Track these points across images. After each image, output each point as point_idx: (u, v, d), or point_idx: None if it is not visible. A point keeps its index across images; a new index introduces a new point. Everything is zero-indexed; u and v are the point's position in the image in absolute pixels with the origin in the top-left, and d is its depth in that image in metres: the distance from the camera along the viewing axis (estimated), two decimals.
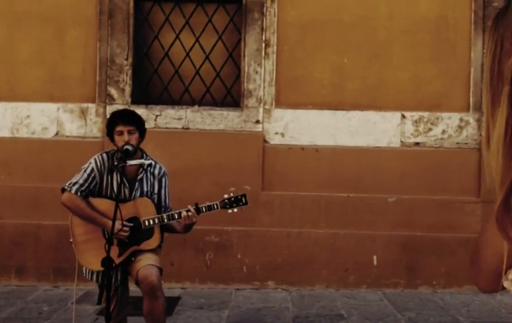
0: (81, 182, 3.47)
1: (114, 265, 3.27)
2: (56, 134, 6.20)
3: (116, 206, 3.18)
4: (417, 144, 6.12)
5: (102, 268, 3.28)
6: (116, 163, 3.44)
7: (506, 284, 0.98)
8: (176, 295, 5.62)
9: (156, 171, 3.66)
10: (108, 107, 6.04)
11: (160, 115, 6.16)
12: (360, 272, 5.91)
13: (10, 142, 6.15)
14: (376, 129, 6.15)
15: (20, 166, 6.10)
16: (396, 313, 5.10)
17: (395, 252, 5.91)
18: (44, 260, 5.91)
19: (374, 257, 5.93)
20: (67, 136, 6.19)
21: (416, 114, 6.13)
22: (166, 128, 6.15)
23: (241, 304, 5.36)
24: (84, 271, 3.59)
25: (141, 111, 6.01)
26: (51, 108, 6.18)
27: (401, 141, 6.14)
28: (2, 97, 6.16)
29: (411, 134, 6.14)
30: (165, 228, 3.63)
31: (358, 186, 6.05)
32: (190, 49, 6.29)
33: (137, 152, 3.56)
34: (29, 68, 6.15)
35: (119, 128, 3.46)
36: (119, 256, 3.50)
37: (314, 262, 5.94)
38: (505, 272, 0.96)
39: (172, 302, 5.33)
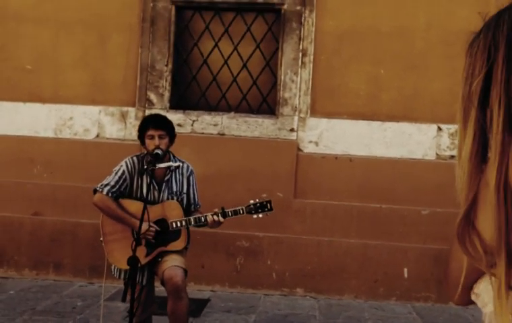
0: (112, 183, 3.61)
1: (140, 265, 3.38)
2: (97, 136, 6.42)
3: (144, 208, 3.30)
4: (453, 157, 6.03)
5: (129, 267, 3.39)
6: (146, 167, 3.56)
7: (473, 297, 1.01)
8: (205, 297, 5.72)
9: (184, 171, 3.77)
10: (147, 111, 6.21)
11: (197, 120, 6.30)
12: (390, 284, 5.86)
13: (53, 143, 6.41)
14: (411, 141, 6.10)
15: (62, 166, 6.35)
16: None
17: (426, 265, 5.83)
18: (81, 257, 6.12)
19: (405, 269, 5.87)
20: (107, 139, 6.40)
21: (453, 127, 6.04)
22: (202, 133, 6.27)
23: (268, 309, 5.41)
24: (112, 269, 3.73)
25: (178, 116, 6.19)
26: (93, 110, 6.41)
27: (437, 154, 6.07)
28: (47, 99, 6.44)
29: (447, 146, 6.06)
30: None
31: (391, 197, 6.01)
32: (229, 57, 6.41)
33: (166, 155, 3.67)
34: (73, 73, 6.40)
35: (150, 132, 3.58)
36: (146, 256, 3.62)
37: (344, 271, 5.93)
38: (471, 287, 0.98)
39: (201, 304, 5.43)
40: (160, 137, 3.59)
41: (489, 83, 0.91)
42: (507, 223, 0.88)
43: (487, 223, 0.91)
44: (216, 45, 6.44)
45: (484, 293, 1.00)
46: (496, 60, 0.92)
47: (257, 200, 3.71)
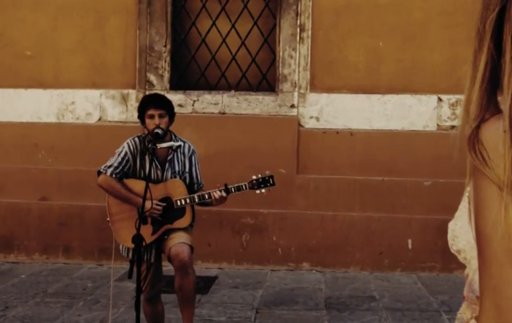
0: (115, 164, 3.66)
1: (145, 243, 3.44)
2: (99, 119, 6.47)
3: (146, 186, 3.35)
4: (454, 127, 6.06)
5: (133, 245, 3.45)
6: (147, 147, 3.61)
7: (455, 254, 1.02)
8: (213, 274, 5.80)
9: (186, 150, 3.81)
10: (148, 93, 6.22)
11: (197, 100, 6.32)
12: (395, 256, 5.93)
13: (56, 128, 6.46)
14: (412, 112, 6.12)
15: (66, 150, 6.40)
16: (429, 296, 5.11)
17: (430, 236, 5.89)
18: (89, 239, 6.21)
19: (409, 240, 5.93)
20: (109, 121, 6.44)
21: (453, 97, 6.06)
22: (203, 113, 6.31)
23: (275, 284, 5.50)
24: (120, 248, 3.79)
25: (179, 96, 6.21)
26: (94, 94, 6.45)
27: (438, 125, 6.09)
28: (48, 85, 6.46)
29: (448, 117, 6.08)
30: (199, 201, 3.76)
31: (392, 170, 6.05)
32: (227, 35, 6.41)
33: (167, 134, 3.71)
34: (72, 57, 6.42)
35: (150, 112, 3.62)
36: (153, 234, 3.68)
37: (348, 244, 6.00)
38: None
39: (209, 281, 5.52)
40: (160, 116, 3.63)
41: (503, 17, 0.93)
42: None
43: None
44: (214, 24, 6.44)
45: (468, 249, 1.00)
46: None
47: (259, 175, 3.76)
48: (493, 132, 0.90)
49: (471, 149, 0.91)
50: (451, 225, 1.07)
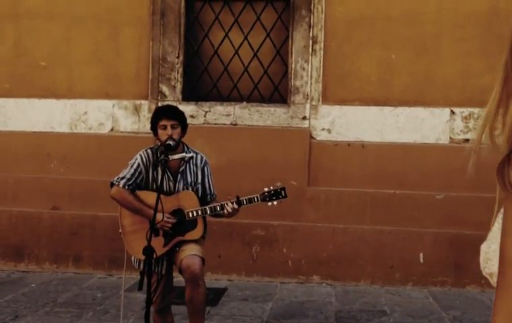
0: (128, 176, 3.67)
1: (156, 255, 3.43)
2: (112, 129, 6.50)
3: (158, 198, 3.35)
4: (467, 141, 6.02)
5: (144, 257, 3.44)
6: (160, 158, 3.62)
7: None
8: (222, 286, 5.79)
9: (198, 161, 3.81)
10: (160, 103, 6.26)
11: (209, 111, 6.34)
12: (406, 270, 5.88)
13: (69, 138, 6.50)
14: (424, 125, 6.09)
15: (78, 160, 6.44)
16: (440, 311, 5.05)
17: (442, 250, 5.84)
18: (100, 249, 6.22)
19: (421, 254, 5.88)
20: (122, 132, 6.47)
21: (466, 110, 6.02)
22: (215, 124, 6.32)
23: (285, 297, 5.47)
24: (133, 260, 3.79)
25: (191, 107, 6.23)
26: (107, 104, 6.48)
27: (450, 138, 6.05)
28: (61, 95, 6.52)
29: (461, 130, 6.04)
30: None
31: (404, 183, 6.01)
32: (239, 47, 6.43)
33: (179, 146, 3.72)
34: (86, 67, 6.47)
35: (163, 123, 3.63)
36: (164, 246, 3.68)
37: (359, 257, 5.96)
38: None
39: (219, 293, 5.50)
40: (173, 127, 3.63)
41: None
42: None
43: None
44: (226, 35, 6.46)
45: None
46: None
47: (271, 187, 3.75)
48: None
49: (500, 176, 0.90)
50: (483, 247, 1.03)
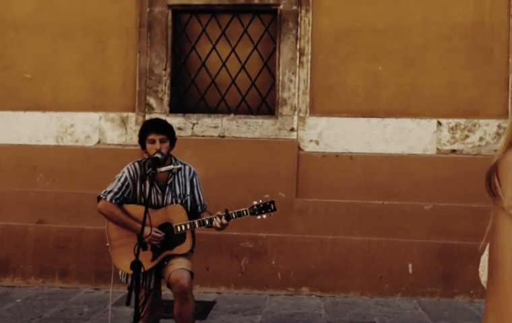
0: (115, 190, 3.63)
1: (143, 269, 3.40)
2: (98, 142, 6.45)
3: (146, 212, 3.32)
4: (453, 151, 6.06)
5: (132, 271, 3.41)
6: (147, 171, 3.59)
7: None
8: (211, 299, 5.74)
9: (187, 173, 3.79)
10: (147, 116, 6.23)
11: (197, 123, 6.32)
12: (395, 280, 5.88)
13: (55, 150, 6.43)
14: (412, 136, 6.12)
15: (64, 173, 6.37)
16: (430, 322, 5.05)
17: (430, 260, 5.85)
18: (86, 263, 6.14)
19: (410, 265, 5.89)
20: (108, 144, 6.42)
21: (453, 121, 6.07)
22: (203, 136, 6.30)
23: (274, 310, 5.44)
24: (120, 274, 3.75)
25: (178, 119, 6.21)
26: (93, 117, 6.44)
27: (437, 148, 6.09)
28: (47, 107, 6.46)
29: (448, 141, 6.08)
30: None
31: (392, 194, 6.03)
32: (227, 59, 6.43)
33: (167, 159, 3.69)
34: (72, 79, 6.43)
35: (151, 137, 3.61)
36: (152, 260, 3.64)
37: (348, 269, 5.95)
38: None
39: (207, 306, 5.45)
40: (161, 141, 3.62)
41: None
42: None
43: None
44: (214, 47, 6.46)
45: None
46: None
47: (260, 200, 3.73)
48: (509, 158, 0.91)
49: (488, 182, 0.92)
50: (482, 257, 1.06)
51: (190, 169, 3.84)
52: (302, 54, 6.24)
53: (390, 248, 5.93)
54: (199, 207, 3.82)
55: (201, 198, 3.85)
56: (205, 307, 5.40)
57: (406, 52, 6.11)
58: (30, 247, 6.28)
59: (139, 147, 3.91)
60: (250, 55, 6.41)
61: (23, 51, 6.50)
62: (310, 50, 6.23)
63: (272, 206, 3.72)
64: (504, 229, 0.88)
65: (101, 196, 3.66)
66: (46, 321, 5.05)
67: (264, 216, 3.71)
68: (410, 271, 5.89)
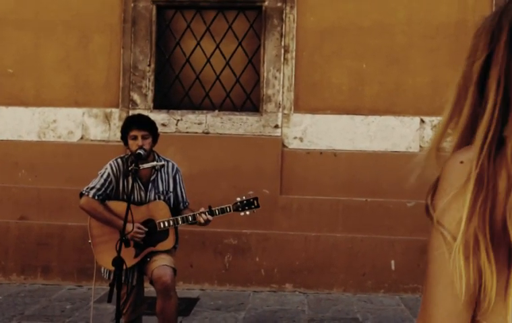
0: (98, 186, 3.61)
1: (125, 266, 3.38)
2: (82, 138, 6.40)
3: (128, 208, 3.31)
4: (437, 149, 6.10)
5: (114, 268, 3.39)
6: (130, 168, 3.57)
7: None
8: (194, 296, 5.73)
9: (170, 170, 3.78)
10: (131, 112, 6.19)
11: (181, 120, 6.30)
12: (378, 277, 5.92)
13: (37, 146, 6.37)
14: (395, 134, 6.16)
15: (46, 169, 6.31)
16: (412, 318, 5.10)
17: (413, 257, 5.90)
18: (69, 260, 6.10)
19: (392, 262, 5.93)
20: (92, 140, 6.37)
21: (436, 119, 6.11)
22: (187, 132, 6.28)
23: (258, 306, 5.45)
24: (102, 271, 3.73)
25: (162, 116, 6.18)
26: (76, 112, 6.38)
27: (420, 146, 6.13)
28: (30, 102, 6.39)
29: (431, 139, 6.12)
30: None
31: (376, 191, 6.07)
32: (211, 55, 6.42)
33: (150, 155, 3.68)
34: (55, 75, 6.37)
35: (133, 133, 3.59)
36: (135, 256, 3.63)
37: (331, 266, 5.98)
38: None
39: (190, 303, 5.45)
40: (143, 137, 3.60)
41: (489, 64, 0.96)
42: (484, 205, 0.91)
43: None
44: (198, 44, 6.44)
45: None
46: (499, 43, 0.96)
47: (244, 197, 3.74)
48: (453, 161, 0.96)
49: (427, 202, 0.95)
50: None
51: (173, 166, 3.83)
52: (286, 51, 6.24)
53: (373, 245, 5.97)
54: (181, 204, 3.81)
55: (184, 195, 3.84)
56: (189, 304, 5.40)
57: (390, 50, 6.14)
58: (12, 244, 6.22)
59: (122, 143, 3.89)
60: (234, 51, 6.40)
61: (6, 46, 6.42)
62: (294, 47, 6.24)
63: (255, 202, 3.73)
64: (433, 241, 0.96)
65: (83, 192, 3.63)
66: (27, 318, 5.01)
67: (247, 212, 3.72)
68: (393, 268, 5.93)
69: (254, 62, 6.39)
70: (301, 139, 6.23)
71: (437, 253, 0.95)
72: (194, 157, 6.07)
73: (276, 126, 6.21)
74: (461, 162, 0.95)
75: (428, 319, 0.97)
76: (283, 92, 6.22)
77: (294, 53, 6.24)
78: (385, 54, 6.15)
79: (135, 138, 3.58)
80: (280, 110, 6.22)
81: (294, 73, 6.23)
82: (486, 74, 0.97)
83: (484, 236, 0.91)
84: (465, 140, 1.00)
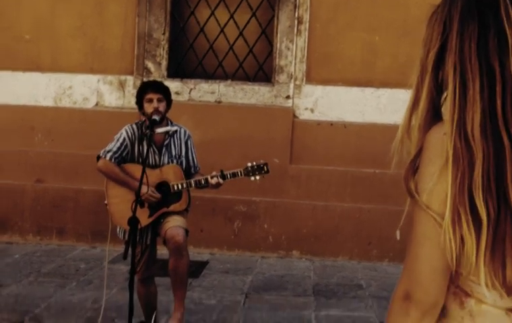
0: (114, 149, 3.74)
1: (140, 225, 3.52)
2: (96, 104, 6.53)
3: (143, 170, 3.43)
4: None
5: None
6: (145, 132, 3.70)
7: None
8: (204, 259, 5.91)
9: (182, 135, 3.90)
10: (145, 79, 6.29)
11: (194, 88, 6.40)
12: (383, 246, 6.05)
13: (53, 111, 6.52)
14: (405, 107, 6.21)
15: (62, 134, 6.46)
16: None
17: None
18: (83, 222, 6.28)
19: (398, 232, 6.01)
20: (106, 107, 6.51)
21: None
22: (200, 101, 6.38)
23: (265, 271, 5.61)
24: (118, 230, 3.88)
25: (176, 84, 6.29)
26: (92, 79, 6.51)
27: None
28: (46, 68, 6.52)
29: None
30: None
31: (384, 162, 6.11)
32: (225, 25, 6.48)
33: (164, 120, 3.80)
34: (71, 41, 6.48)
35: (149, 96, 3.71)
36: (149, 217, 3.77)
37: (338, 234, 6.11)
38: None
39: (200, 266, 5.62)
40: (159, 100, 3.72)
41: (443, 52, 1.07)
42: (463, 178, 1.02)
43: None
44: (212, 13, 6.51)
45: None
46: (451, 32, 1.08)
47: (254, 162, 3.86)
48: (436, 133, 1.08)
49: (405, 181, 1.06)
50: None
51: (185, 131, 3.95)
52: (300, 22, 6.29)
53: (380, 215, 6.08)
54: (193, 169, 3.93)
55: (195, 160, 3.96)
56: (199, 267, 5.57)
57: (403, 23, 6.16)
58: (28, 206, 6.41)
59: (136, 111, 4.00)
60: (248, 22, 6.46)
61: (22, 12, 6.52)
62: (308, 19, 6.28)
63: (265, 167, 3.84)
64: (418, 216, 1.10)
65: (100, 155, 3.77)
66: (44, 275, 5.21)
67: (257, 177, 3.84)
68: (398, 238, 6.04)
69: (267, 32, 6.45)
70: (312, 110, 6.31)
71: (425, 217, 1.08)
72: (206, 126, 6.18)
73: (288, 97, 6.30)
74: (445, 134, 1.06)
75: (413, 275, 1.10)
76: (295, 63, 6.29)
77: (307, 24, 6.28)
78: (398, 27, 6.17)
79: (151, 100, 3.69)
80: (292, 80, 6.30)
81: (306, 44, 6.29)
82: (440, 62, 1.09)
83: (465, 209, 1.03)
84: (428, 122, 1.11)
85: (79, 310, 4.37)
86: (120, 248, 5.23)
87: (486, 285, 1.05)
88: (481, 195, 1.02)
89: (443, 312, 1.12)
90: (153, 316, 3.69)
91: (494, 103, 1.04)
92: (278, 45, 6.32)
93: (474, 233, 1.03)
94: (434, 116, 1.11)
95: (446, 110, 1.07)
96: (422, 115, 1.12)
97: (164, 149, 3.82)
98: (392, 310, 1.13)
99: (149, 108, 3.69)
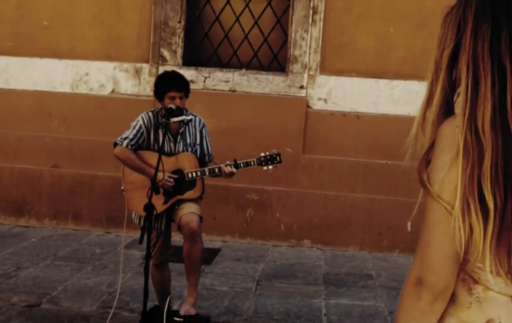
0: (130, 137, 3.82)
1: (156, 212, 3.60)
2: (112, 91, 6.62)
3: (159, 158, 3.51)
4: None
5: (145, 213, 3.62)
6: (161, 120, 3.77)
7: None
8: (217, 246, 6.00)
9: (197, 124, 3.97)
10: (160, 67, 6.37)
11: (209, 77, 6.46)
12: (394, 237, 6.09)
13: (70, 98, 6.62)
14: (419, 99, 6.16)
15: (78, 120, 6.57)
16: None
17: None
18: (98, 207, 6.40)
19: (409, 223, 6.08)
20: (122, 94, 6.59)
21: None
22: (214, 89, 6.44)
23: (276, 259, 5.69)
24: (133, 216, 3.97)
25: (190, 72, 6.35)
26: (108, 66, 6.59)
27: None
28: (63, 55, 6.61)
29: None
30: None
31: (396, 154, 6.13)
32: (240, 14, 6.52)
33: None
34: (88, 28, 6.56)
35: (172, 94, 3.76)
36: (164, 203, 3.85)
37: (349, 224, 6.17)
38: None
39: (213, 253, 5.71)
40: (181, 98, 3.79)
41: (457, 51, 1.12)
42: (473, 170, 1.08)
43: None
44: (228, 2, 6.54)
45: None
46: (465, 32, 1.14)
47: (267, 152, 3.91)
48: (449, 126, 1.15)
49: (418, 173, 1.13)
50: None
51: (200, 120, 4.02)
52: (315, 12, 6.31)
53: (391, 206, 6.12)
54: (207, 157, 4.00)
55: (209, 148, 4.03)
56: (211, 254, 5.66)
57: (418, 15, 6.16)
58: (45, 191, 6.54)
59: (152, 98, 4.09)
60: (263, 11, 6.49)
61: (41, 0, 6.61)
62: (323, 9, 6.30)
63: (278, 158, 3.90)
64: (430, 206, 1.15)
65: (117, 141, 3.85)
66: (60, 259, 5.33)
67: (270, 167, 3.90)
68: (409, 229, 6.08)
69: (282, 22, 6.48)
70: (325, 101, 6.35)
71: (436, 206, 1.14)
72: (220, 114, 6.24)
73: (301, 87, 6.34)
74: (457, 126, 1.13)
75: (424, 260, 1.16)
76: (309, 53, 6.32)
77: (322, 15, 6.30)
78: (413, 19, 6.17)
79: (173, 98, 3.76)
80: (306, 70, 6.33)
81: (321, 35, 6.31)
82: (454, 60, 1.15)
83: (474, 199, 1.09)
84: (441, 117, 1.17)
85: (94, 293, 4.48)
86: (134, 234, 5.34)
87: (491, 272, 1.12)
88: (489, 186, 1.08)
89: (452, 298, 1.18)
90: (167, 300, 3.77)
91: (504, 99, 1.09)
92: (293, 35, 6.35)
93: (482, 222, 1.09)
94: (447, 111, 1.17)
95: (459, 105, 1.13)
96: (435, 110, 1.18)
97: (179, 137, 3.90)
98: (405, 294, 1.19)
99: (170, 105, 3.74)
